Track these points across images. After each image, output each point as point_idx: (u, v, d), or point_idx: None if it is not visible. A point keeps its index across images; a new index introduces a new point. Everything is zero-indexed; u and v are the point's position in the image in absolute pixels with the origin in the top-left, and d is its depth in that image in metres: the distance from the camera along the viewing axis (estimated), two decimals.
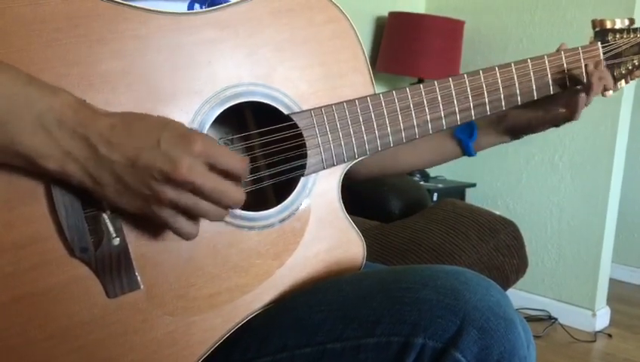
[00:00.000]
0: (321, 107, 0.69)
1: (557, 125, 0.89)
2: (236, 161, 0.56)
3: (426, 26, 2.21)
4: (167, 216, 0.55)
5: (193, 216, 0.56)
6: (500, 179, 2.44)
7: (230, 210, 0.64)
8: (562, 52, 0.84)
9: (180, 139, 0.53)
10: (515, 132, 0.92)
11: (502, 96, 0.80)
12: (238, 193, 0.56)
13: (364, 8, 2.35)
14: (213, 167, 0.55)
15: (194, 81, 0.62)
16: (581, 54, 0.85)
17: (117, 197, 0.54)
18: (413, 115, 0.74)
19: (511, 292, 1.95)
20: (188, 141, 0.53)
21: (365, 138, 0.72)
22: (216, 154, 0.54)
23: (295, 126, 0.68)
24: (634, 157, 2.73)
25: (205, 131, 0.63)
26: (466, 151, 0.92)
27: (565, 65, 0.84)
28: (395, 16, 2.27)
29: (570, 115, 0.86)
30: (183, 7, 0.72)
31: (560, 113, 0.87)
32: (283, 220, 0.68)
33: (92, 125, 0.52)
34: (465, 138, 0.91)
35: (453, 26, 2.25)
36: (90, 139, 0.52)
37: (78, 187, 0.54)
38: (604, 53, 0.87)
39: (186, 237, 0.58)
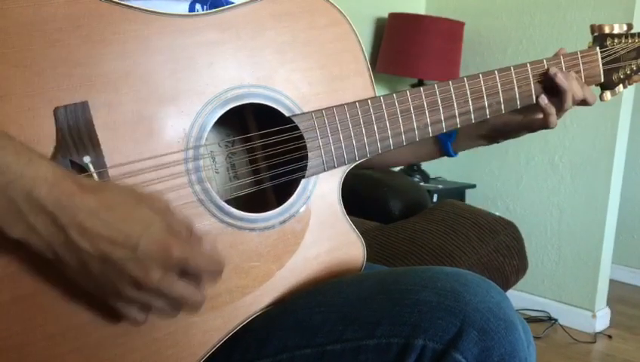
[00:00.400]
0: (322, 109, 0.69)
1: (532, 130, 0.87)
2: (213, 269, 0.55)
3: (426, 27, 2.21)
4: (120, 307, 0.54)
5: (145, 310, 0.55)
6: (500, 180, 2.44)
7: (231, 212, 0.64)
8: (561, 56, 0.84)
9: (158, 247, 0.51)
10: (493, 136, 0.90)
11: (501, 99, 0.80)
12: (199, 300, 0.55)
13: (364, 9, 2.35)
14: (186, 274, 0.53)
15: (195, 83, 0.62)
16: (580, 59, 0.85)
17: (76, 277, 0.52)
18: (414, 117, 0.74)
19: (511, 293, 1.95)
20: (166, 250, 0.51)
21: (366, 140, 0.72)
22: (195, 261, 0.53)
23: (296, 128, 0.68)
24: (634, 158, 2.73)
25: (206, 133, 0.63)
26: (445, 152, 0.92)
27: (564, 69, 0.84)
28: (395, 17, 2.28)
29: (545, 122, 0.84)
30: (184, 8, 0.73)
31: (536, 119, 0.85)
32: (283, 222, 0.68)
33: (68, 205, 0.49)
34: (444, 138, 0.90)
35: (453, 27, 2.25)
36: (59, 219, 0.49)
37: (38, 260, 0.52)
38: (602, 58, 0.87)
39: (133, 323, 0.56)
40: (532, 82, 0.82)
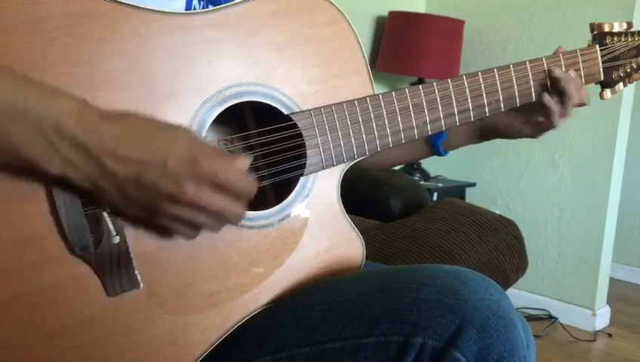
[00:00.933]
0: (320, 107, 0.69)
1: (538, 132, 0.86)
2: (244, 183, 0.56)
3: (426, 25, 2.21)
4: (167, 225, 0.56)
5: (193, 226, 0.57)
6: (500, 178, 2.44)
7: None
8: (561, 54, 0.84)
9: (187, 160, 0.53)
10: (488, 134, 0.89)
11: (501, 97, 0.80)
12: (238, 212, 0.58)
13: (364, 7, 2.35)
14: (219, 187, 0.55)
15: (194, 81, 0.62)
16: (579, 57, 0.85)
17: (118, 205, 0.55)
18: (412, 115, 0.74)
19: (511, 291, 1.95)
20: (195, 162, 0.53)
21: (364, 138, 0.72)
22: (224, 175, 0.55)
23: (295, 126, 0.68)
24: (634, 157, 2.72)
25: (205, 131, 0.63)
26: (436, 151, 0.91)
27: (564, 68, 0.83)
28: (395, 15, 2.27)
29: (548, 123, 0.83)
30: (180, 5, 0.73)
31: (541, 120, 0.84)
32: (282, 220, 0.68)
33: (95, 135, 0.51)
34: (435, 138, 0.89)
35: (453, 25, 2.25)
36: (91, 150, 0.51)
37: (80, 189, 0.54)
38: (602, 56, 0.87)
39: (185, 238, 0.59)
40: (531, 80, 0.81)
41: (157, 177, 0.52)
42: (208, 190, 0.54)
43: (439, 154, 0.91)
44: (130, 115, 0.55)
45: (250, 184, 0.57)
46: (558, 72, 0.81)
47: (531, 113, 0.85)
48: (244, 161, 0.56)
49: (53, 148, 0.50)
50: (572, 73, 0.82)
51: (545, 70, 0.82)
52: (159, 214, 0.55)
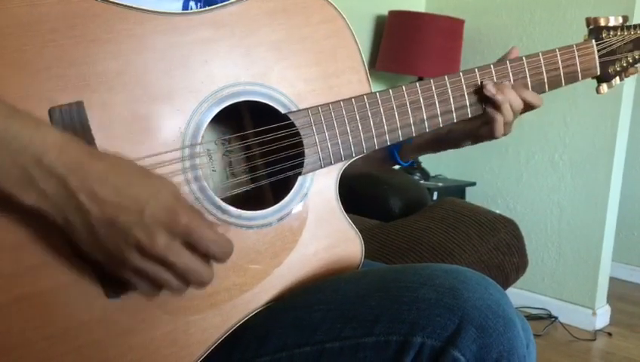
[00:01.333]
0: (318, 106, 0.69)
1: (479, 140, 0.82)
2: (219, 246, 0.54)
3: (426, 24, 2.21)
4: (128, 277, 0.54)
5: (155, 283, 0.54)
6: (500, 177, 2.44)
7: (228, 210, 0.64)
8: (557, 50, 0.84)
9: (165, 212, 0.51)
10: (438, 144, 0.86)
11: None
12: (207, 276, 0.54)
13: (364, 7, 2.35)
14: (192, 245, 0.53)
15: (190, 81, 0.62)
16: (576, 52, 0.85)
17: (85, 245, 0.52)
18: (410, 113, 0.74)
19: (511, 291, 1.95)
20: (173, 214, 0.51)
21: (362, 136, 0.72)
22: (200, 233, 0.52)
23: (292, 125, 0.68)
24: (634, 155, 2.72)
25: (202, 131, 0.63)
26: (392, 159, 0.89)
27: (560, 62, 0.83)
28: (395, 14, 2.27)
29: (491, 130, 0.79)
30: (178, 6, 0.72)
31: (482, 127, 0.80)
32: (281, 219, 0.68)
33: (75, 171, 0.49)
34: (391, 148, 0.87)
35: (453, 24, 2.25)
36: (70, 185, 0.49)
37: (52, 224, 0.51)
38: (598, 51, 0.86)
39: (144, 295, 0.56)
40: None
41: (131, 224, 0.50)
42: (180, 246, 0.52)
43: (399, 164, 0.89)
44: (115, 157, 0.53)
45: (225, 247, 0.54)
46: (485, 83, 0.77)
47: (475, 119, 0.81)
48: (224, 228, 0.55)
49: (31, 179, 0.48)
50: (506, 83, 0.79)
51: (542, 65, 0.81)
52: (123, 264, 0.52)
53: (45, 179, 0.49)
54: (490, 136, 0.80)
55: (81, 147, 0.51)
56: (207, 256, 0.54)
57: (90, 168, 0.50)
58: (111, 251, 0.52)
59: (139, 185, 0.52)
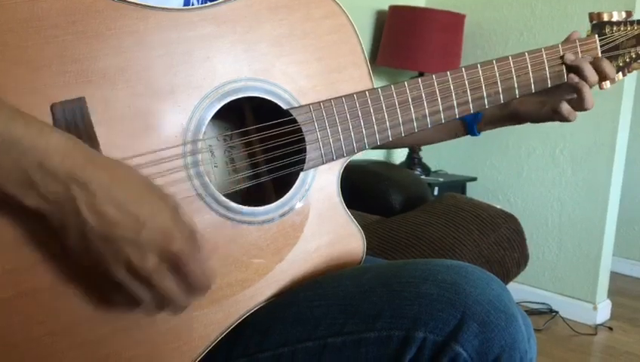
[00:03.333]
0: (319, 102, 0.69)
1: (565, 118, 0.85)
2: (203, 279, 0.55)
3: (426, 19, 2.21)
4: (108, 287, 0.54)
5: (131, 300, 0.54)
6: (501, 172, 2.44)
7: (230, 206, 0.64)
8: (559, 45, 0.84)
9: (161, 236, 0.51)
10: (519, 118, 0.90)
11: (500, 89, 0.79)
12: (183, 304, 0.55)
13: (364, 2, 2.34)
14: (178, 272, 0.53)
15: (192, 77, 0.62)
16: (578, 47, 0.84)
17: (73, 249, 0.52)
18: (412, 108, 0.74)
19: (512, 285, 1.95)
20: (168, 240, 0.51)
21: (364, 132, 0.72)
22: (190, 262, 0.53)
23: (294, 121, 0.68)
24: (635, 150, 2.72)
25: (204, 127, 0.63)
26: (469, 131, 0.92)
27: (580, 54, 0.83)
28: (395, 9, 2.27)
29: (581, 100, 0.83)
30: (179, 2, 0.72)
31: (572, 99, 0.84)
32: (283, 215, 0.68)
33: (80, 177, 0.49)
34: (469, 118, 0.91)
35: (453, 19, 2.25)
36: (71, 190, 0.49)
37: (48, 227, 0.51)
38: (601, 46, 0.86)
39: (116, 309, 0.56)
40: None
41: (126, 241, 0.50)
42: (167, 270, 0.53)
43: (473, 135, 0.93)
44: (120, 166, 0.53)
45: (207, 283, 0.55)
46: (567, 56, 0.82)
47: (557, 94, 0.85)
48: (210, 251, 0.55)
49: (32, 183, 0.48)
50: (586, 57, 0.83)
51: (544, 60, 0.82)
52: (105, 273, 0.52)
53: (47, 183, 0.48)
54: (582, 105, 0.83)
55: (84, 153, 0.50)
56: (188, 285, 0.54)
57: (93, 177, 0.50)
58: (99, 262, 0.52)
59: (140, 201, 0.51)
